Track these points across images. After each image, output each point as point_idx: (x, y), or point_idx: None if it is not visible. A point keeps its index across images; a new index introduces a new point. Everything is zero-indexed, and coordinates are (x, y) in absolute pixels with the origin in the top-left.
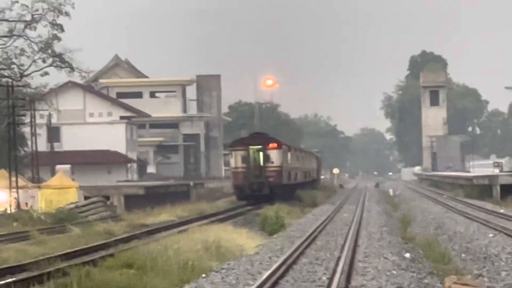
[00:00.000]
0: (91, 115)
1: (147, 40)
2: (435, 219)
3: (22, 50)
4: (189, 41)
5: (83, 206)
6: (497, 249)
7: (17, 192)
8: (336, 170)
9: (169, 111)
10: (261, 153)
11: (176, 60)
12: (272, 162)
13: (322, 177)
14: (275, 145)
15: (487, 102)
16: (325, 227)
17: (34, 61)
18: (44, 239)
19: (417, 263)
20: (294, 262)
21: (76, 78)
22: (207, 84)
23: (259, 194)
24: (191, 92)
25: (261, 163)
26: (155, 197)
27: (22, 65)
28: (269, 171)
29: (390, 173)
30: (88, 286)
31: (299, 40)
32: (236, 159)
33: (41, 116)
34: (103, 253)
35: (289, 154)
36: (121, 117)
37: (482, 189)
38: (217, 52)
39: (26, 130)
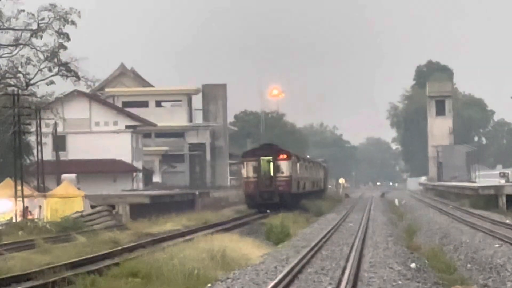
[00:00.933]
0: (97, 124)
1: (153, 49)
2: (441, 229)
3: (28, 59)
4: (196, 50)
5: (89, 215)
6: (503, 259)
7: (23, 201)
8: (342, 180)
9: (175, 120)
10: (271, 164)
11: (182, 69)
12: (282, 172)
13: (329, 186)
14: (285, 156)
15: (493, 112)
16: (331, 236)
17: (40, 70)
18: (50, 248)
19: (423, 273)
20: (299, 271)
21: (82, 87)
22: (213, 93)
23: (269, 202)
24: (197, 101)
25: (271, 173)
26: (160, 206)
27: (28, 74)
28: (279, 181)
29: (391, 183)
30: None
31: (305, 49)
32: (247, 169)
33: (47, 125)
34: (108, 262)
35: (298, 165)
36: (127, 126)
37: (488, 199)
38: (223, 61)
39: (32, 139)
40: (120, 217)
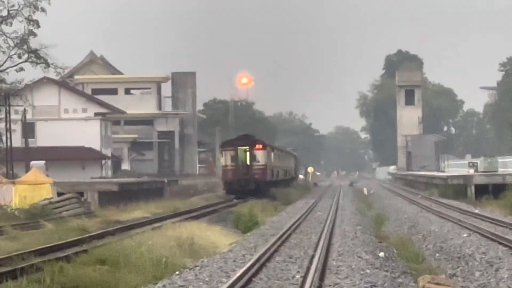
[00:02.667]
0: (66, 111)
1: (122, 37)
2: (409, 218)
3: None
4: (165, 38)
5: (57, 202)
6: (471, 249)
7: None
8: (310, 169)
9: (144, 108)
10: (248, 153)
11: (151, 57)
12: (258, 161)
13: (300, 176)
14: (260, 146)
15: (462, 102)
16: (299, 225)
17: (10, 56)
18: (18, 235)
19: (391, 262)
20: (267, 260)
21: (52, 74)
22: (182, 81)
23: (246, 189)
24: (166, 89)
25: (248, 162)
26: (129, 193)
27: None
28: (255, 169)
29: (357, 172)
30: (62, 282)
31: (274, 38)
32: (226, 158)
33: (16, 112)
34: (76, 249)
35: (272, 154)
36: (96, 114)
37: (456, 189)
38: (192, 50)
39: (1, 125)
40: (89, 205)
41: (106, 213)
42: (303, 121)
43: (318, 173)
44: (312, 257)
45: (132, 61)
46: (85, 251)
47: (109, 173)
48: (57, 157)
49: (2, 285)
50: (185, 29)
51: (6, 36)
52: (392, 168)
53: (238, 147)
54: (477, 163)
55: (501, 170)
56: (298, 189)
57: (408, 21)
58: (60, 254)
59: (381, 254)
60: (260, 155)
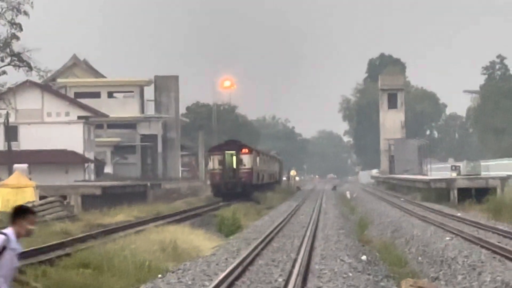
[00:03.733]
0: (49, 114)
1: (105, 41)
2: (392, 222)
3: None
4: (148, 42)
5: (40, 205)
6: (454, 252)
7: None
8: (293, 172)
9: (127, 111)
10: (234, 157)
11: (134, 61)
12: (244, 165)
13: (284, 178)
14: (246, 150)
15: (445, 106)
16: (282, 229)
17: None
18: None
19: (374, 266)
20: (250, 263)
21: (34, 77)
22: (165, 85)
23: (233, 191)
24: (149, 92)
25: (235, 166)
26: (112, 197)
27: None
28: (242, 172)
29: (332, 175)
30: (45, 285)
31: (257, 42)
32: (213, 162)
33: None
34: (59, 252)
35: (258, 158)
36: (79, 117)
37: (439, 192)
38: (175, 53)
39: None
40: (72, 208)
41: (89, 216)
42: (286, 125)
43: (297, 178)
44: (295, 260)
45: (115, 65)
46: (68, 254)
47: (92, 176)
48: (40, 160)
49: None
50: (168, 32)
51: None
52: (375, 172)
53: (225, 152)
54: (459, 166)
55: (483, 174)
56: (281, 193)
57: (391, 24)
58: (43, 258)
59: (364, 257)
60: (246, 159)
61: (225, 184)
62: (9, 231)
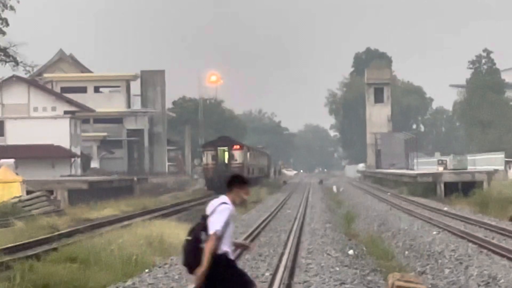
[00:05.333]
0: (36, 109)
1: (91, 35)
2: (379, 216)
3: None
4: (133, 36)
5: (27, 200)
6: (441, 246)
7: None
8: (287, 168)
9: (113, 106)
10: (226, 153)
11: (120, 56)
12: (236, 160)
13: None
14: (238, 146)
15: (431, 100)
16: (269, 223)
17: None
18: None
19: (361, 260)
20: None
21: (21, 72)
22: (151, 80)
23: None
24: (135, 87)
25: (227, 161)
26: (99, 191)
27: None
28: (233, 167)
29: (318, 170)
30: (32, 280)
31: (243, 36)
32: (207, 157)
33: None
34: (46, 247)
35: (248, 154)
36: (65, 112)
37: (426, 186)
38: (161, 48)
39: None
40: (58, 203)
41: (76, 211)
42: (272, 119)
43: (291, 173)
44: (282, 255)
45: (101, 59)
46: (55, 249)
47: (79, 171)
48: (27, 155)
49: None
50: (153, 27)
51: None
52: (361, 166)
53: (218, 148)
54: (446, 161)
55: (470, 168)
56: (268, 187)
57: (377, 18)
58: (30, 252)
59: (351, 251)
60: (237, 154)
61: (218, 178)
62: (226, 199)
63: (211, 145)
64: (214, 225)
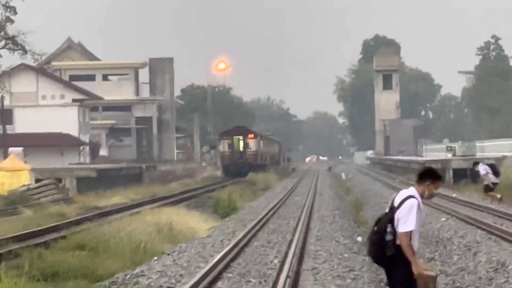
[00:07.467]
0: (44, 97)
1: (100, 23)
2: (388, 203)
3: None
4: (142, 24)
5: (35, 188)
6: (449, 233)
7: None
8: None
9: (122, 94)
10: (242, 141)
11: (129, 43)
12: (250, 148)
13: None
14: (252, 135)
15: (440, 86)
16: (278, 210)
17: None
18: None
19: None
20: (246, 245)
21: (29, 60)
22: (160, 67)
23: (240, 171)
24: (144, 75)
25: (242, 149)
26: (107, 179)
27: None
28: (248, 154)
29: (324, 158)
30: (41, 268)
31: (252, 23)
32: (223, 146)
33: None
34: (55, 235)
35: (261, 142)
36: (74, 100)
37: None
38: (169, 35)
39: None
40: (67, 191)
41: (85, 199)
42: (281, 106)
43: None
44: (290, 242)
45: (110, 47)
46: (63, 237)
47: (87, 159)
48: (35, 143)
49: None
50: (162, 14)
51: None
52: (370, 153)
53: (234, 137)
54: (455, 147)
55: (479, 155)
56: (277, 174)
57: (385, 5)
58: (38, 240)
59: (359, 238)
60: (252, 143)
61: (234, 164)
62: (415, 192)
63: (227, 134)
64: (407, 225)
